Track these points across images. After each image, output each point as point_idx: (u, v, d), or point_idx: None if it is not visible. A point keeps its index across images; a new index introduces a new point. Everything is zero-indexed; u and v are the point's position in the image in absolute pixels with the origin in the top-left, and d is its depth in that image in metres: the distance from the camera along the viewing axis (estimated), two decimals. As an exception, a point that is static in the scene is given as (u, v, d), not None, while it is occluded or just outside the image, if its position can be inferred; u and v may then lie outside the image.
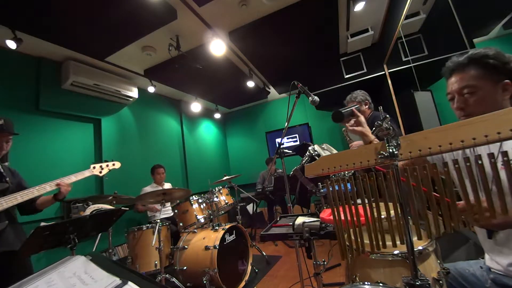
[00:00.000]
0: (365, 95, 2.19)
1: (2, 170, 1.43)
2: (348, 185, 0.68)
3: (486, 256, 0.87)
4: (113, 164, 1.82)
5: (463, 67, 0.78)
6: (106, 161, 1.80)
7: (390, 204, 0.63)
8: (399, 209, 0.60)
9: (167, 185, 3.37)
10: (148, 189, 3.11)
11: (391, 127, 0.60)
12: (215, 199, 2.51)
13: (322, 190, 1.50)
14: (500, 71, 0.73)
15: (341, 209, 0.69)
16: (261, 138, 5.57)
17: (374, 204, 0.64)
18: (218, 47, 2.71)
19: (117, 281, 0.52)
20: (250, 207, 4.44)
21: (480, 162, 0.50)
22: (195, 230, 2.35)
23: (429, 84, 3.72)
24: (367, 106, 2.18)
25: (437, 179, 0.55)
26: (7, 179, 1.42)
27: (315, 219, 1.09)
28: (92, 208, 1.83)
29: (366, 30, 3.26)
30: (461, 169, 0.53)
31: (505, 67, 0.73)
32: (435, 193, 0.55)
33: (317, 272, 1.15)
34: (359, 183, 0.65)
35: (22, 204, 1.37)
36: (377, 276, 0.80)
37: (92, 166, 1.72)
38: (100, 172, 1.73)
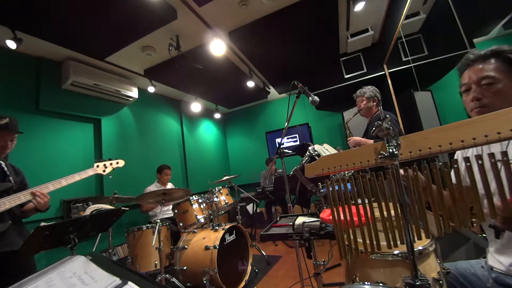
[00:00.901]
0: (375, 92, 2.15)
1: (6, 169, 1.42)
2: (348, 185, 0.68)
3: (489, 255, 0.87)
4: (117, 163, 1.77)
5: (484, 59, 0.78)
6: (110, 159, 1.76)
7: (390, 204, 0.63)
8: (399, 209, 0.60)
9: (169, 185, 3.37)
10: (151, 188, 3.12)
11: (391, 127, 0.60)
12: (215, 199, 2.51)
13: (322, 190, 1.50)
14: None
15: (340, 209, 0.69)
16: (261, 138, 5.57)
17: (374, 204, 0.64)
18: (218, 47, 2.71)
19: (117, 281, 0.52)
20: (250, 207, 4.43)
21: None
22: (195, 230, 2.35)
23: (429, 84, 3.73)
24: (375, 103, 2.14)
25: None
26: (11, 178, 1.40)
27: (315, 219, 1.09)
28: (92, 208, 1.82)
29: (366, 30, 3.26)
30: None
31: None
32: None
33: (317, 272, 1.15)
34: (359, 183, 0.65)
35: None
36: (377, 276, 0.80)
37: (95, 164, 1.68)
38: (104, 171, 1.69)
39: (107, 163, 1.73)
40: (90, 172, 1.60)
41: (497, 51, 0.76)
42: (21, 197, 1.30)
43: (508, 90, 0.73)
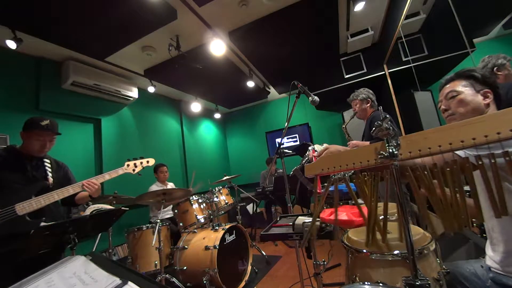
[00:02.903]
0: (368, 93, 2.20)
1: (47, 167, 1.47)
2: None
3: (486, 256, 0.88)
4: (147, 162, 1.80)
5: (451, 80, 0.95)
6: (141, 158, 1.79)
7: (392, 204, 0.63)
8: (399, 209, 0.60)
9: (170, 185, 3.37)
10: (153, 187, 3.13)
11: (391, 127, 0.60)
12: (215, 199, 2.51)
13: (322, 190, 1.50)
14: (481, 81, 0.88)
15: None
16: (261, 138, 5.57)
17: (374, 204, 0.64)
18: (218, 47, 2.71)
19: (117, 281, 0.52)
20: (250, 207, 4.43)
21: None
22: (195, 230, 2.35)
23: (429, 84, 3.72)
24: (368, 105, 2.20)
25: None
26: (49, 176, 1.45)
27: (315, 219, 1.09)
28: (92, 208, 1.83)
29: (366, 30, 3.26)
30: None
31: (485, 80, 0.88)
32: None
33: (317, 272, 1.15)
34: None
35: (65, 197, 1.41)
36: (377, 276, 0.80)
37: (126, 163, 1.70)
38: (134, 170, 1.71)
39: (137, 162, 1.75)
40: (120, 171, 1.64)
41: (460, 72, 0.94)
42: (54, 196, 1.37)
43: (469, 98, 0.87)
